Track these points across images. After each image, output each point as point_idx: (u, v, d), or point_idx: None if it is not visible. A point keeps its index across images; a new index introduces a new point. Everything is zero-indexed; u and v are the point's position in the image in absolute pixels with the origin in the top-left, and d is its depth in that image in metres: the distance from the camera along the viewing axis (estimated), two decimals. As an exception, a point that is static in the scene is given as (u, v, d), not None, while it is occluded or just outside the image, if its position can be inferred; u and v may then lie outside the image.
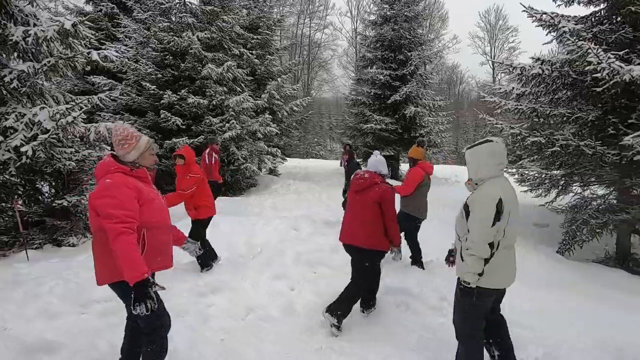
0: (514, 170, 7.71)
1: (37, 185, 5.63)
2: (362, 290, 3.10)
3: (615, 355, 2.52)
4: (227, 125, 9.62)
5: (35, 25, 5.21)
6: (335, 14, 67.18)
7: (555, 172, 7.21)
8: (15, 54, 5.26)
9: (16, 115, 4.89)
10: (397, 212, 3.31)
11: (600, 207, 6.32)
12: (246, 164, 10.23)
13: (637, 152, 5.20)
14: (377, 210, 3.02)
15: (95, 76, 10.61)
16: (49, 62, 5.05)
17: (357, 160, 6.98)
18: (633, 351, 2.60)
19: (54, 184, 5.54)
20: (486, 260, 2.05)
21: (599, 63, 5.16)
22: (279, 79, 12.78)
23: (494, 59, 36.54)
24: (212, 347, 2.69)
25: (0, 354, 2.36)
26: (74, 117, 4.80)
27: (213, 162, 7.87)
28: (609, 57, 5.10)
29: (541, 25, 6.43)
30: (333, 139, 35.57)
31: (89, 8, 12.48)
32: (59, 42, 5.13)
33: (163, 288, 1.92)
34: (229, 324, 3.07)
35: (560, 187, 7.18)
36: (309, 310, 3.33)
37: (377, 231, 3.02)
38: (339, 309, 2.90)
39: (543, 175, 7.25)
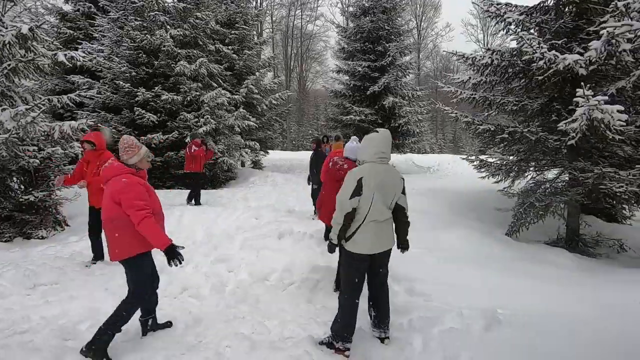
0: (473, 157, 7.98)
1: (7, 182, 5.95)
2: None
3: (489, 319, 2.84)
4: (201, 120, 9.91)
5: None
6: (326, 5, 66.74)
7: (510, 157, 7.49)
8: (-21, 58, 5.54)
9: (-20, 117, 5.19)
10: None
11: (547, 191, 6.61)
12: (223, 157, 10.54)
13: (572, 138, 5.47)
14: None
15: (74, 75, 10.89)
16: (9, 65, 5.33)
17: (322, 151, 7.25)
18: (507, 314, 2.93)
19: (22, 180, 5.85)
20: (353, 228, 2.40)
21: (533, 52, 5.40)
22: (257, 73, 13.01)
23: (486, 46, 36.48)
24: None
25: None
26: (33, 117, 5.09)
27: (190, 153, 8.13)
28: (541, 47, 5.34)
29: (489, 16, 6.65)
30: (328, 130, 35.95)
31: (68, 7, 12.67)
32: (18, 46, 5.40)
33: (183, 247, 2.61)
34: (161, 301, 3.41)
35: (514, 173, 7.46)
36: (237, 288, 3.67)
37: None
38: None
39: (499, 162, 7.52)
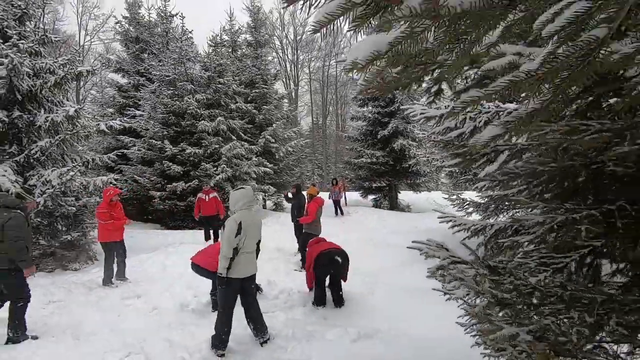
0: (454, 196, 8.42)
1: (55, 225, 7.64)
2: None
3: (361, 335, 3.50)
4: (219, 169, 11.47)
5: (54, 111, 7.45)
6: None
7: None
8: (42, 133, 7.49)
9: (37, 176, 6.98)
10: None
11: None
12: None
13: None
14: None
15: (123, 135, 13.28)
16: (59, 137, 7.18)
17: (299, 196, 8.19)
18: (385, 332, 3.55)
19: (63, 223, 7.50)
20: (232, 259, 3.29)
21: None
22: (274, 125, 14.65)
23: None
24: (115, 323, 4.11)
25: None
26: (72, 176, 6.76)
27: (199, 200, 9.51)
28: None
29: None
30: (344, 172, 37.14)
31: (124, 81, 15.57)
32: (66, 123, 7.27)
33: None
34: (134, 314, 4.48)
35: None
36: (199, 304, 4.63)
37: None
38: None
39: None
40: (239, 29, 16.49)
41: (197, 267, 4.38)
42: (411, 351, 3.04)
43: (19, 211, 3.84)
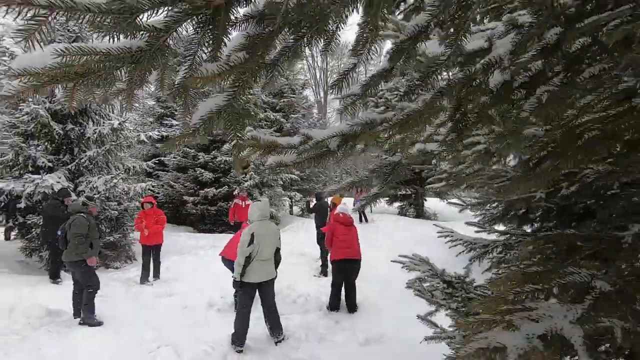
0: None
1: (100, 227, 8.42)
2: None
3: (370, 339, 3.74)
4: (247, 176, 12.04)
5: (101, 124, 8.26)
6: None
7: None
8: (91, 143, 8.32)
9: (86, 182, 7.76)
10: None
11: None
12: (265, 206, 12.42)
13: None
14: None
15: (161, 143, 14.23)
16: (106, 148, 7.95)
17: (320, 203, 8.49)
18: (392, 337, 3.77)
19: (106, 225, 8.26)
20: (246, 266, 3.65)
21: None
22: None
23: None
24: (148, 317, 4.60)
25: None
26: (115, 183, 7.48)
27: (235, 206, 10.07)
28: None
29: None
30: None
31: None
32: (112, 134, 8.04)
33: None
34: (166, 310, 4.96)
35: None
36: (224, 305, 5.05)
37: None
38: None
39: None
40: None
41: (225, 260, 4.79)
42: (413, 356, 3.25)
43: (82, 214, 4.69)
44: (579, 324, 0.97)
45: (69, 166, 7.83)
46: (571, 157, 1.28)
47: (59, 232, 4.80)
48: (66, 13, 0.52)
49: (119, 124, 7.98)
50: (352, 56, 1.07)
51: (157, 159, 12.25)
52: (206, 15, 0.70)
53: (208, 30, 0.74)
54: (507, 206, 2.13)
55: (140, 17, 0.63)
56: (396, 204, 16.59)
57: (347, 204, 5.82)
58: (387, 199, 16.72)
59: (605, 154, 1.33)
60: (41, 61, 0.58)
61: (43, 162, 7.57)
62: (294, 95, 15.79)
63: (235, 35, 0.85)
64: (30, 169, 7.53)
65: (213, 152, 12.18)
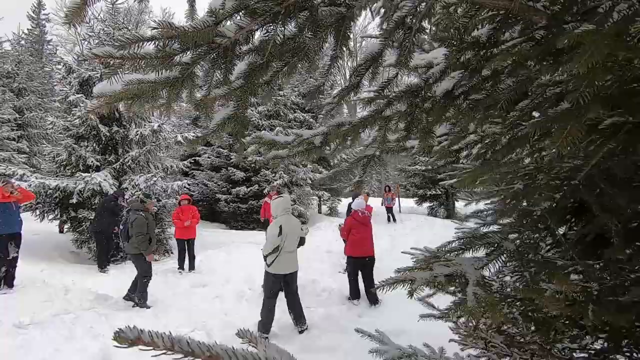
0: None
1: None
2: None
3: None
4: (277, 175, 12.42)
5: (142, 126, 8.89)
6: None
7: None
8: (133, 144, 8.98)
9: (129, 180, 8.40)
10: None
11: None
12: (294, 205, 12.75)
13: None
14: None
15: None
16: (146, 148, 8.55)
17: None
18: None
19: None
20: (274, 257, 3.90)
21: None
22: (329, 133, 15.33)
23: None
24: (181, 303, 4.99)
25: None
26: (154, 181, 8.04)
27: (266, 204, 10.46)
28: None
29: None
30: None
31: (199, 95, 17.48)
32: (151, 136, 8.63)
33: None
34: (199, 299, 5.34)
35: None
36: (253, 295, 5.35)
37: None
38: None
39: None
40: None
41: None
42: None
43: (141, 212, 5.22)
44: (480, 269, 1.27)
45: (114, 165, 8.49)
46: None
47: (122, 227, 5.41)
48: (132, 62, 0.78)
49: (158, 126, 8.57)
50: (324, 76, 1.33)
51: (193, 158, 12.90)
52: (219, 52, 0.95)
53: (221, 63, 0.99)
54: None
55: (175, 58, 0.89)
56: (426, 204, 16.39)
57: (363, 202, 5.93)
58: (417, 199, 16.55)
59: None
60: (111, 88, 0.84)
61: (92, 162, 8.28)
62: (322, 96, 16.01)
63: (240, 64, 1.08)
64: (81, 167, 8.27)
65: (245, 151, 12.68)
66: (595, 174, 1.35)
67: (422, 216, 14.66)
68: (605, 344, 1.29)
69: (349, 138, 1.56)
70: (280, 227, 3.93)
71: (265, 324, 3.93)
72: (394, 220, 13.58)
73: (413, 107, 1.42)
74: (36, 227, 8.50)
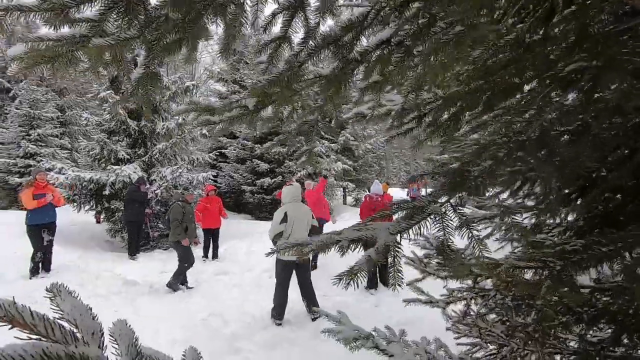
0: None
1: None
2: None
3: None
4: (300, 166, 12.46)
5: (168, 119, 9.18)
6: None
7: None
8: (160, 138, 9.30)
9: (157, 172, 8.73)
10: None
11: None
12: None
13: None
14: None
15: (222, 137, 15.29)
16: (172, 141, 8.83)
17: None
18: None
19: (175, 211, 9.19)
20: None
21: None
22: (354, 123, 15.14)
23: None
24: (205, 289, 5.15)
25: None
26: (180, 172, 8.30)
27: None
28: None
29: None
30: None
31: (223, 89, 17.81)
32: (177, 129, 8.90)
33: None
34: (220, 286, 5.48)
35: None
36: (272, 284, 5.44)
37: None
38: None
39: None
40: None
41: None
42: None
43: (179, 202, 5.60)
44: (395, 234, 1.26)
45: (143, 158, 8.84)
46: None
47: (166, 217, 5.72)
48: (20, 13, 0.74)
49: (183, 119, 8.80)
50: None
51: (219, 151, 13.22)
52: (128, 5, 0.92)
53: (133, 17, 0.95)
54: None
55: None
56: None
57: (380, 187, 5.89)
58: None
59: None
60: (20, 50, 0.80)
61: (122, 155, 8.66)
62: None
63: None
64: (113, 161, 8.68)
65: (268, 143, 12.79)
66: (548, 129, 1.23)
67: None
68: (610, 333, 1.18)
69: (290, 97, 1.45)
70: (285, 213, 3.93)
71: (279, 310, 3.97)
72: (420, 210, 13.29)
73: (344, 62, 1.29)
74: (75, 218, 9.05)
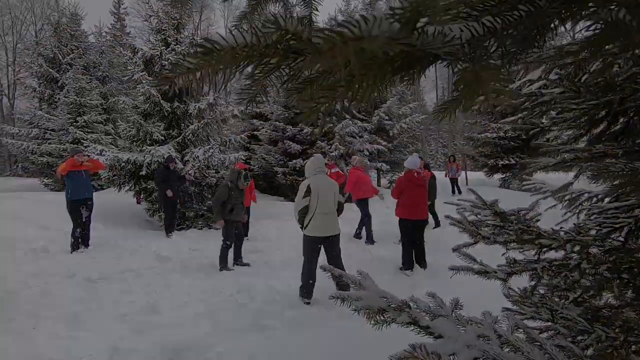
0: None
1: (203, 193, 9.54)
2: None
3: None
4: (332, 146, 12.15)
5: (200, 101, 9.19)
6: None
7: None
8: (193, 119, 9.35)
9: (190, 153, 8.81)
10: None
11: None
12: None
13: None
14: None
15: (255, 119, 15.28)
16: (204, 121, 8.84)
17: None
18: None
19: (208, 191, 9.29)
20: (306, 219, 3.69)
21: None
22: (388, 102, 14.50)
23: None
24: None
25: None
26: (211, 153, 8.31)
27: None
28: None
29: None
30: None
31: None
32: (208, 110, 8.89)
33: None
34: (252, 266, 5.41)
35: None
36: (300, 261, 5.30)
37: None
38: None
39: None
40: (354, 8, 16.65)
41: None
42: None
43: (229, 182, 5.29)
44: None
45: (177, 139, 8.95)
46: None
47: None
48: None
49: (214, 99, 8.76)
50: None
51: (251, 132, 13.20)
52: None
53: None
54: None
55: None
56: (497, 176, 14.84)
57: (418, 160, 5.37)
58: (486, 170, 15.11)
59: None
60: None
61: (157, 136, 8.81)
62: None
63: None
64: (148, 142, 8.85)
65: (300, 124, 12.56)
66: None
67: (492, 188, 13.36)
68: None
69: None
70: (309, 186, 3.69)
71: (307, 288, 3.79)
72: (459, 192, 12.60)
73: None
74: (117, 197, 9.43)
